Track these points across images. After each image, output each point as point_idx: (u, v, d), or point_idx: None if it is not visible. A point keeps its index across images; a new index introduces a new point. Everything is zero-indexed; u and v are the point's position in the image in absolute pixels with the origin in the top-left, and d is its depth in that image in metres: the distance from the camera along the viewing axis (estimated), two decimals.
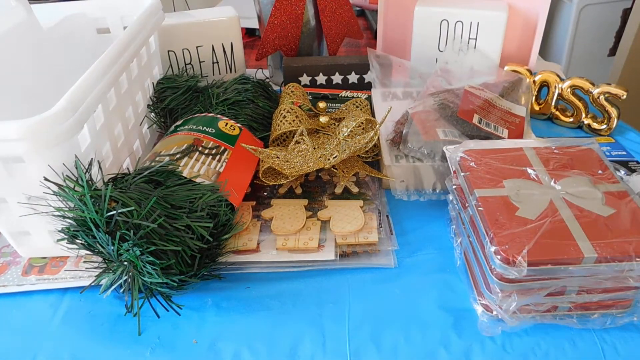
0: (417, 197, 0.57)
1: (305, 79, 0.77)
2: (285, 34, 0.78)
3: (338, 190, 0.58)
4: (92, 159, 0.46)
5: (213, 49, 0.78)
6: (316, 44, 0.83)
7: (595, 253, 0.38)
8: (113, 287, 0.43)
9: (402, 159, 0.58)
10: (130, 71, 0.59)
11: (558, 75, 0.69)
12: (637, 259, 0.38)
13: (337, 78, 0.76)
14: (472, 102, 0.64)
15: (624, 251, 0.39)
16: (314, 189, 0.59)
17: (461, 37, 0.74)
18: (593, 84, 0.66)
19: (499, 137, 0.60)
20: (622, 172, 0.58)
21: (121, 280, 0.42)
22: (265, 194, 0.58)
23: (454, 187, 0.50)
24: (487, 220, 0.42)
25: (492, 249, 0.40)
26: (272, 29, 0.77)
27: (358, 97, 0.71)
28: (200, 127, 0.57)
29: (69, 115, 0.41)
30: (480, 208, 0.43)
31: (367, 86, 0.76)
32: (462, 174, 0.47)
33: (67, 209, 0.42)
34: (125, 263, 0.41)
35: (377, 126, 0.56)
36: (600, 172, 0.47)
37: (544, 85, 0.70)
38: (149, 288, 0.43)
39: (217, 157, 0.54)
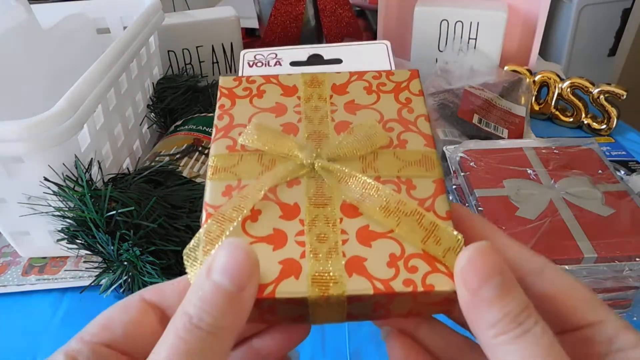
0: None
1: None
2: (285, 34, 0.78)
3: None
4: (92, 159, 0.46)
5: (213, 49, 0.78)
6: (316, 44, 0.83)
7: (595, 253, 0.38)
8: (113, 287, 0.43)
9: None
10: (130, 71, 0.59)
11: (558, 75, 0.69)
12: (637, 259, 0.38)
13: None
14: (472, 102, 0.64)
15: (624, 251, 0.39)
16: None
17: (461, 37, 0.74)
18: (593, 84, 0.66)
19: (499, 137, 0.60)
20: (622, 172, 0.58)
21: (121, 280, 0.42)
22: None
23: (454, 187, 0.50)
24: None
25: None
26: (272, 29, 0.77)
27: None
28: (200, 127, 0.57)
29: (68, 115, 0.41)
30: (480, 208, 0.43)
31: None
32: (462, 173, 0.47)
33: (67, 209, 0.42)
34: (125, 263, 0.41)
35: None
36: (600, 172, 0.47)
37: (544, 85, 0.70)
38: None
39: None
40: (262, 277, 0.20)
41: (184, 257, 0.21)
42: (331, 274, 0.20)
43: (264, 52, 0.31)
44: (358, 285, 0.20)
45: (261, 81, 0.27)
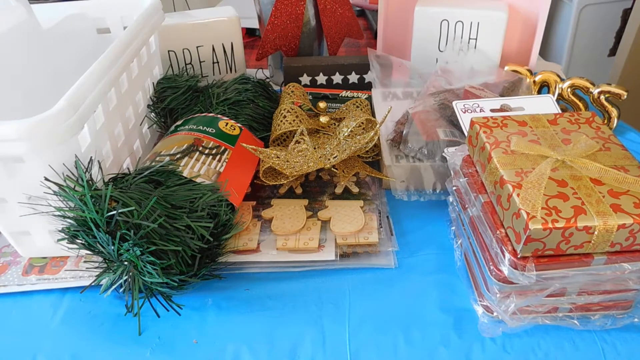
0: (417, 197, 0.57)
1: (305, 79, 0.76)
2: (285, 34, 0.78)
3: (338, 190, 0.58)
4: (92, 158, 0.46)
5: (213, 49, 0.78)
6: (316, 44, 0.83)
7: (605, 255, 0.38)
8: (113, 287, 0.43)
9: (402, 159, 0.58)
10: (131, 71, 0.59)
11: (558, 75, 0.69)
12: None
13: (337, 78, 0.76)
14: None
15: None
16: (314, 189, 0.59)
17: (461, 37, 0.74)
18: (593, 84, 0.66)
19: None
20: None
21: (121, 280, 0.42)
22: (266, 194, 0.58)
23: (454, 188, 0.50)
24: (494, 224, 0.41)
25: (506, 257, 0.39)
26: (272, 29, 0.77)
27: (358, 97, 0.71)
28: (201, 127, 0.57)
29: (69, 115, 0.41)
30: (487, 214, 0.43)
31: (367, 86, 0.76)
32: (463, 179, 0.47)
33: (67, 208, 0.42)
34: (126, 263, 0.41)
35: (377, 126, 0.56)
36: None
37: (544, 85, 0.70)
38: (149, 288, 0.43)
39: (218, 157, 0.54)
40: (562, 217, 0.35)
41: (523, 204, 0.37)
42: (604, 212, 0.36)
43: (470, 103, 0.55)
44: (624, 219, 0.35)
45: (500, 119, 0.45)
